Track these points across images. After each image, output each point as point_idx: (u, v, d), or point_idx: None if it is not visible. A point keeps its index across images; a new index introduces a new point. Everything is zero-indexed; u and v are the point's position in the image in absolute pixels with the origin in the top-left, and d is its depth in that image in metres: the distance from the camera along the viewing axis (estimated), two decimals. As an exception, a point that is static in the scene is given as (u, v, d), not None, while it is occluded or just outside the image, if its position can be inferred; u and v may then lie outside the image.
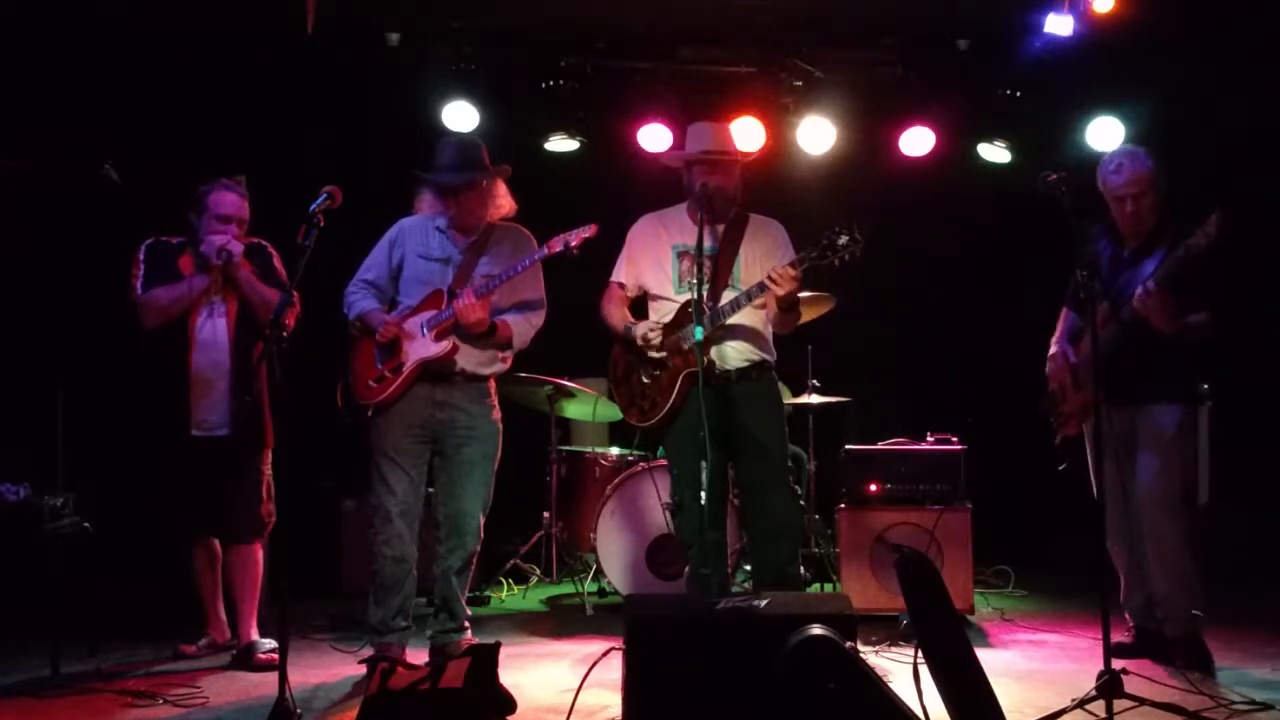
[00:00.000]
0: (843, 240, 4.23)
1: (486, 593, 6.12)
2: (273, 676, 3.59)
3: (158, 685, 4.23)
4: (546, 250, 4.38)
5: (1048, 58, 6.03)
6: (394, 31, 6.22)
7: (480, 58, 6.34)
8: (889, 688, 3.16)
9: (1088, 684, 3.75)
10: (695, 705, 3.21)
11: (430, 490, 4.63)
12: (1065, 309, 4.79)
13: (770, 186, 5.74)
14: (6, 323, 5.74)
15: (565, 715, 3.63)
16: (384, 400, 4.44)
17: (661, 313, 4.63)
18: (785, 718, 3.10)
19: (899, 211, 6.32)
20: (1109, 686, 3.63)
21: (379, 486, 4.47)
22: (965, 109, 6.59)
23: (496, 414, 4.60)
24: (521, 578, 6.45)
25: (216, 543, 4.74)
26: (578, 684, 3.64)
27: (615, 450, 6.32)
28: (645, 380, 4.58)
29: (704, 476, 4.02)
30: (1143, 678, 4.01)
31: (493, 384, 4.63)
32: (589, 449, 6.43)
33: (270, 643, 4.54)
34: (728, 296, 4.47)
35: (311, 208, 3.77)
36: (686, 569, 4.67)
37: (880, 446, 5.58)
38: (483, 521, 4.54)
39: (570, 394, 6.20)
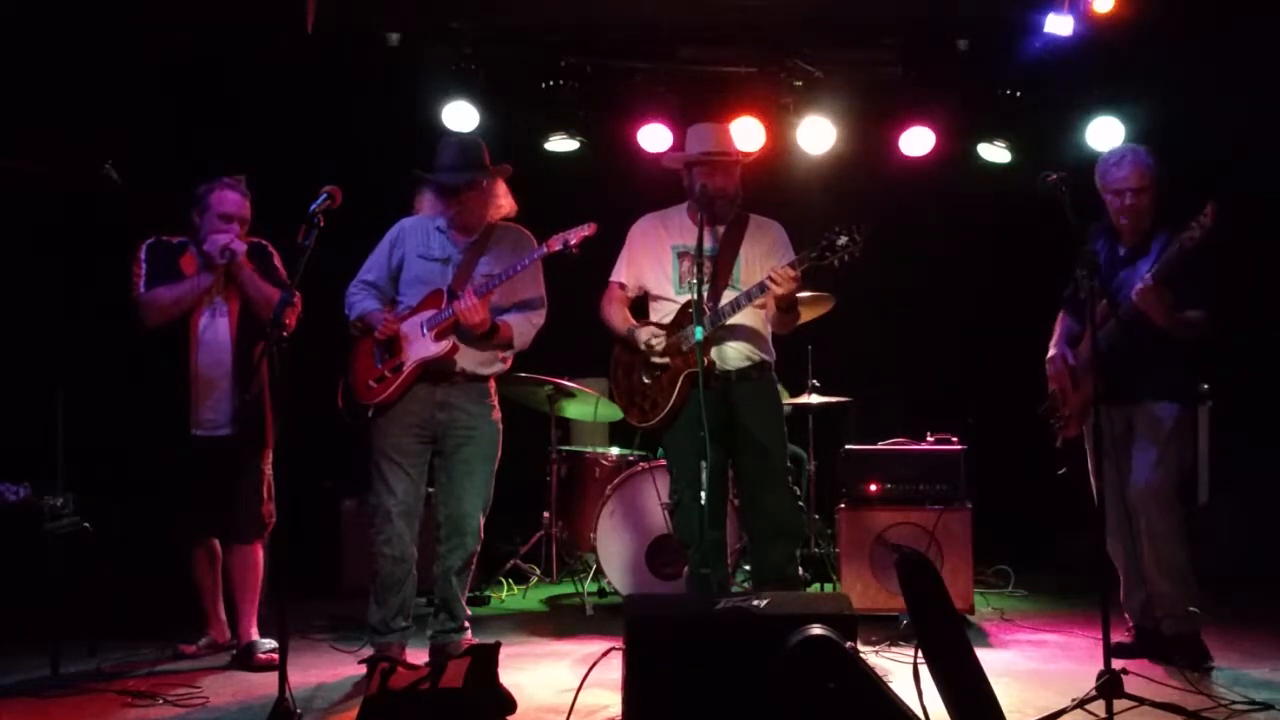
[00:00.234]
0: (842, 241, 4.23)
1: (486, 593, 6.12)
2: (273, 676, 3.59)
3: (158, 685, 4.23)
4: (546, 249, 4.38)
5: (1048, 58, 6.03)
6: (394, 31, 6.21)
7: (480, 58, 6.33)
8: (889, 688, 3.16)
9: (1088, 684, 3.75)
10: (695, 705, 3.21)
11: (430, 490, 4.63)
12: (1062, 313, 4.80)
13: (770, 186, 5.74)
14: (6, 323, 5.74)
15: (565, 715, 3.64)
16: (384, 400, 4.44)
17: (662, 313, 4.63)
18: (785, 718, 3.10)
19: (899, 211, 6.32)
20: (1109, 686, 3.64)
21: (379, 486, 4.48)
22: (965, 109, 6.59)
23: (497, 414, 4.60)
24: (521, 578, 6.45)
25: (217, 542, 4.74)
26: (578, 684, 3.65)
27: (615, 450, 6.32)
28: (646, 380, 4.59)
29: (704, 476, 4.03)
30: (1143, 678, 4.02)
31: (493, 384, 4.63)
32: (589, 449, 6.43)
33: (270, 643, 4.54)
34: (728, 297, 4.47)
35: (311, 208, 3.78)
36: (686, 569, 4.68)
37: (880, 446, 5.58)
38: (483, 521, 4.54)
39: (570, 394, 6.20)
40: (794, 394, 6.09)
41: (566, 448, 6.53)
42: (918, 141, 6.60)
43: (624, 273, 4.74)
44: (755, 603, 3.29)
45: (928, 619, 3.26)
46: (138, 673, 4.46)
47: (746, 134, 6.28)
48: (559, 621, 5.62)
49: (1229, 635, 4.81)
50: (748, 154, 4.81)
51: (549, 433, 6.36)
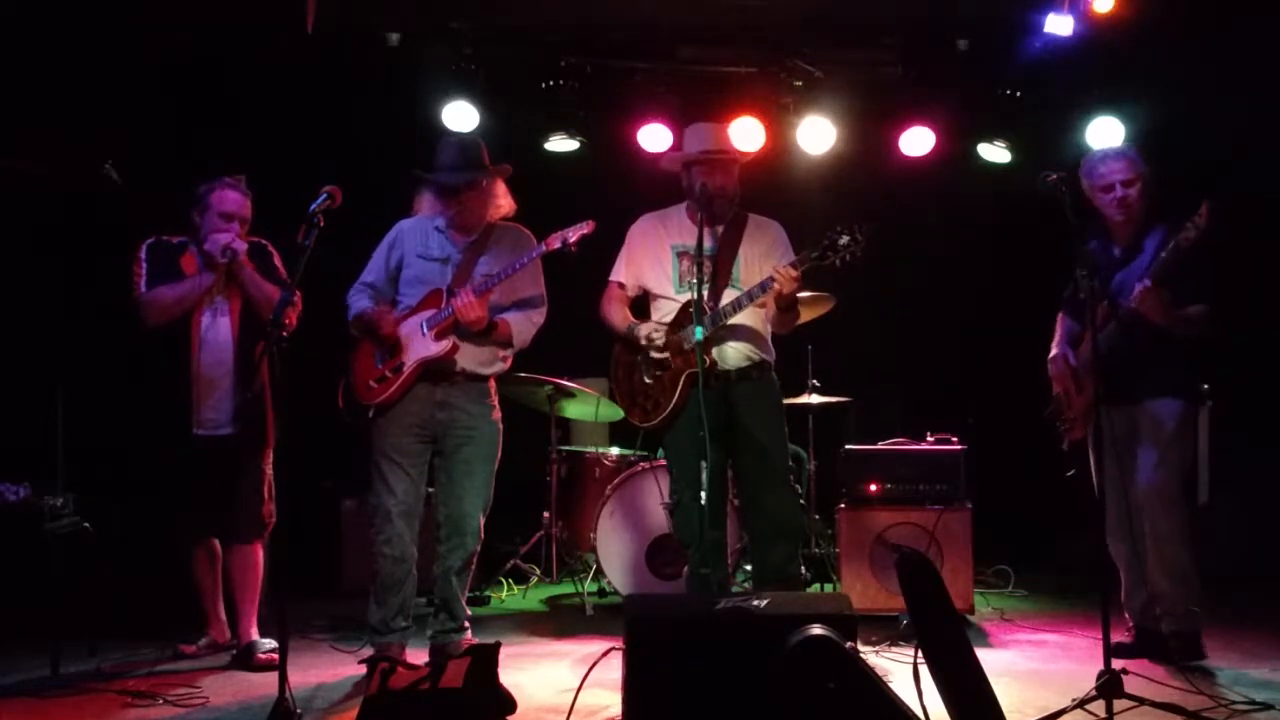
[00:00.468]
0: (844, 240, 4.24)
1: (486, 593, 6.12)
2: (273, 676, 3.59)
3: (158, 685, 4.23)
4: (544, 248, 4.39)
5: (1048, 58, 6.03)
6: (394, 31, 6.21)
7: (480, 58, 6.33)
8: (889, 688, 3.16)
9: (1088, 684, 3.75)
10: (695, 705, 3.21)
11: (430, 490, 4.63)
12: (1061, 313, 4.80)
13: (770, 186, 5.74)
14: (6, 323, 5.74)
15: (565, 715, 3.63)
16: (385, 401, 4.44)
17: (662, 312, 4.63)
18: (785, 718, 3.10)
19: (899, 211, 6.32)
20: (1109, 686, 3.64)
21: (379, 486, 4.48)
22: (965, 109, 6.59)
23: (497, 414, 4.60)
24: (521, 578, 6.45)
25: (217, 542, 4.74)
26: (578, 684, 3.65)
27: (616, 450, 6.32)
28: (647, 380, 4.59)
29: (704, 476, 4.03)
30: (1143, 678, 4.01)
31: (493, 384, 4.63)
32: (589, 449, 6.43)
33: (270, 643, 4.54)
34: (728, 296, 4.47)
35: (311, 208, 3.78)
36: (686, 569, 4.68)
37: (880, 446, 5.58)
38: (483, 521, 4.54)
39: (570, 394, 6.20)
40: (794, 394, 6.09)
41: (566, 448, 6.53)
42: (918, 141, 6.60)
43: (623, 272, 4.74)
44: (755, 603, 3.29)
45: (928, 619, 3.26)
46: (138, 673, 4.46)
47: (746, 134, 6.28)
48: (559, 621, 5.61)
49: (1229, 635, 4.81)
50: (746, 153, 4.81)
51: (549, 433, 6.36)
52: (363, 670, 4.30)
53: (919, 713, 3.19)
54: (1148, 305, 4.26)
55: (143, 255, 4.66)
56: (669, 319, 4.57)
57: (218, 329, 4.64)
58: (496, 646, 3.53)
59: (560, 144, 6.71)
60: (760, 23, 6.23)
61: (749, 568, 5.11)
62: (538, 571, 6.48)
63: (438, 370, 4.45)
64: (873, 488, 5.42)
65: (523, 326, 4.56)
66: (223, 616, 4.80)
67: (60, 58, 5.71)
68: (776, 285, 4.27)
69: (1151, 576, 4.44)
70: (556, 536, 6.29)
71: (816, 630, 3.14)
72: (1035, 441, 4.84)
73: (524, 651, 4.88)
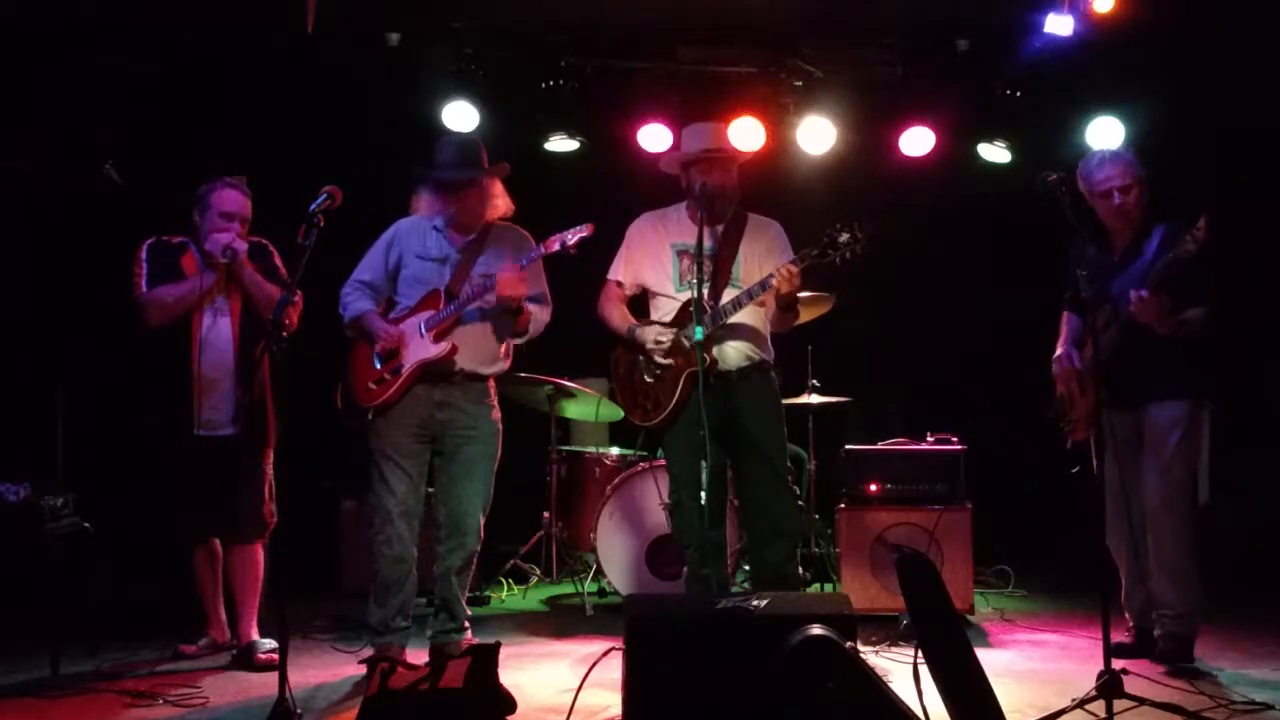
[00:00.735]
0: (844, 238, 4.24)
1: (486, 593, 6.12)
2: (273, 676, 3.59)
3: (158, 685, 4.23)
4: (543, 250, 4.39)
5: (1048, 57, 6.02)
6: (394, 31, 6.20)
7: (480, 58, 6.33)
8: (889, 688, 3.16)
9: (1088, 684, 3.75)
10: (695, 705, 3.21)
11: (430, 490, 4.63)
12: (1066, 312, 4.79)
13: (770, 186, 5.74)
14: (7, 322, 5.74)
15: (565, 715, 3.64)
16: (384, 403, 4.44)
17: (662, 311, 4.64)
18: (785, 718, 3.10)
19: (899, 211, 6.31)
20: (1109, 686, 3.64)
21: (379, 486, 4.48)
22: (965, 109, 6.58)
23: (496, 414, 4.60)
24: (521, 578, 6.45)
25: (217, 542, 4.74)
26: (578, 684, 3.65)
27: (616, 450, 6.32)
28: (648, 380, 4.59)
29: (704, 477, 4.03)
30: (1143, 678, 4.01)
31: (492, 384, 4.63)
32: (589, 449, 6.43)
33: (270, 643, 4.54)
34: (728, 295, 4.47)
35: (311, 208, 3.78)
36: (686, 569, 4.68)
37: (880, 446, 5.57)
38: (483, 521, 4.54)
39: (570, 394, 6.20)
40: (794, 394, 6.09)
41: (566, 448, 6.53)
42: (918, 141, 6.59)
43: (621, 271, 4.75)
44: (755, 603, 3.29)
45: (928, 619, 3.26)
46: (138, 673, 4.46)
47: (746, 134, 6.27)
48: (559, 621, 5.61)
49: (1229, 635, 4.82)
50: (744, 151, 4.81)
51: (549, 433, 6.36)
52: (363, 670, 4.30)
53: (919, 713, 3.19)
54: (1148, 314, 4.24)
55: (143, 255, 4.66)
56: (668, 318, 4.57)
57: (218, 329, 4.63)
58: (496, 646, 3.53)
59: (560, 144, 6.71)
60: (760, 23, 6.23)
61: (749, 568, 5.11)
62: (538, 571, 6.48)
63: (437, 371, 4.45)
64: (873, 488, 5.42)
65: (539, 316, 4.58)
66: (223, 617, 4.80)
67: (60, 57, 5.71)
68: (776, 283, 4.27)
69: (1153, 578, 4.44)
70: (556, 536, 6.29)
71: (816, 630, 3.14)
72: (1035, 441, 4.83)
73: (524, 651, 4.88)
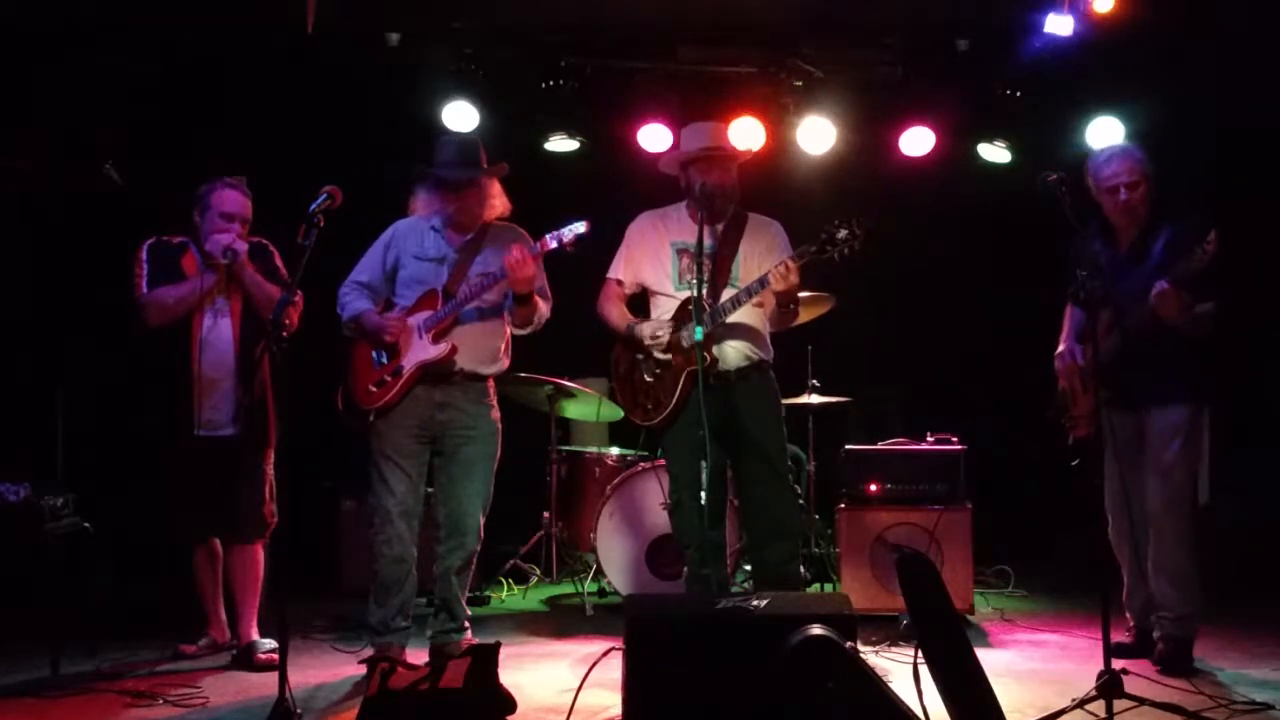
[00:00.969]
0: (842, 234, 4.23)
1: (486, 593, 6.12)
2: (273, 676, 3.59)
3: (158, 685, 4.23)
4: (540, 247, 4.39)
5: (1048, 58, 6.02)
6: (394, 31, 6.21)
7: (480, 58, 6.33)
8: (889, 688, 3.16)
9: (1088, 684, 3.75)
10: (695, 705, 3.21)
11: (430, 490, 4.63)
12: (1069, 306, 4.78)
13: (770, 186, 5.74)
14: (7, 322, 5.74)
15: (565, 715, 3.64)
16: (385, 405, 4.44)
17: (662, 310, 4.64)
18: (785, 718, 3.10)
19: (899, 211, 6.31)
20: (1109, 686, 3.64)
21: (379, 487, 4.48)
22: (965, 109, 6.58)
23: (496, 414, 4.60)
24: (521, 578, 6.45)
25: (218, 542, 4.74)
26: (578, 684, 3.65)
27: (616, 450, 6.32)
28: (648, 379, 4.59)
29: (704, 476, 4.03)
30: (1143, 678, 4.02)
31: (492, 384, 4.63)
32: (589, 449, 6.43)
33: (270, 643, 4.54)
34: (727, 294, 4.47)
35: (311, 208, 3.77)
36: (686, 569, 4.68)
37: (880, 446, 5.57)
38: (483, 521, 4.54)
39: (570, 394, 6.20)
40: (794, 394, 6.09)
41: (566, 448, 6.53)
42: (918, 141, 6.60)
43: (621, 269, 4.75)
44: (755, 603, 3.29)
45: (928, 619, 3.26)
46: (138, 673, 4.46)
47: (746, 134, 6.28)
48: (559, 621, 5.61)
49: (1229, 635, 4.82)
50: (742, 150, 4.81)
51: (549, 433, 6.36)
52: (363, 670, 4.30)
53: (919, 713, 3.19)
54: (1167, 307, 4.22)
55: (143, 255, 4.66)
56: (668, 316, 4.57)
57: (219, 330, 4.63)
58: (496, 646, 3.53)
59: (560, 144, 6.71)
60: (760, 23, 6.23)
61: (749, 568, 5.11)
62: (538, 571, 6.48)
63: (437, 371, 4.45)
64: (873, 488, 5.42)
65: (543, 309, 4.58)
66: (223, 617, 4.80)
67: (60, 57, 5.71)
68: (773, 280, 4.27)
69: (1153, 579, 4.44)
70: (556, 536, 6.29)
71: (816, 630, 3.14)
72: (1035, 441, 4.83)
73: (524, 651, 4.88)
